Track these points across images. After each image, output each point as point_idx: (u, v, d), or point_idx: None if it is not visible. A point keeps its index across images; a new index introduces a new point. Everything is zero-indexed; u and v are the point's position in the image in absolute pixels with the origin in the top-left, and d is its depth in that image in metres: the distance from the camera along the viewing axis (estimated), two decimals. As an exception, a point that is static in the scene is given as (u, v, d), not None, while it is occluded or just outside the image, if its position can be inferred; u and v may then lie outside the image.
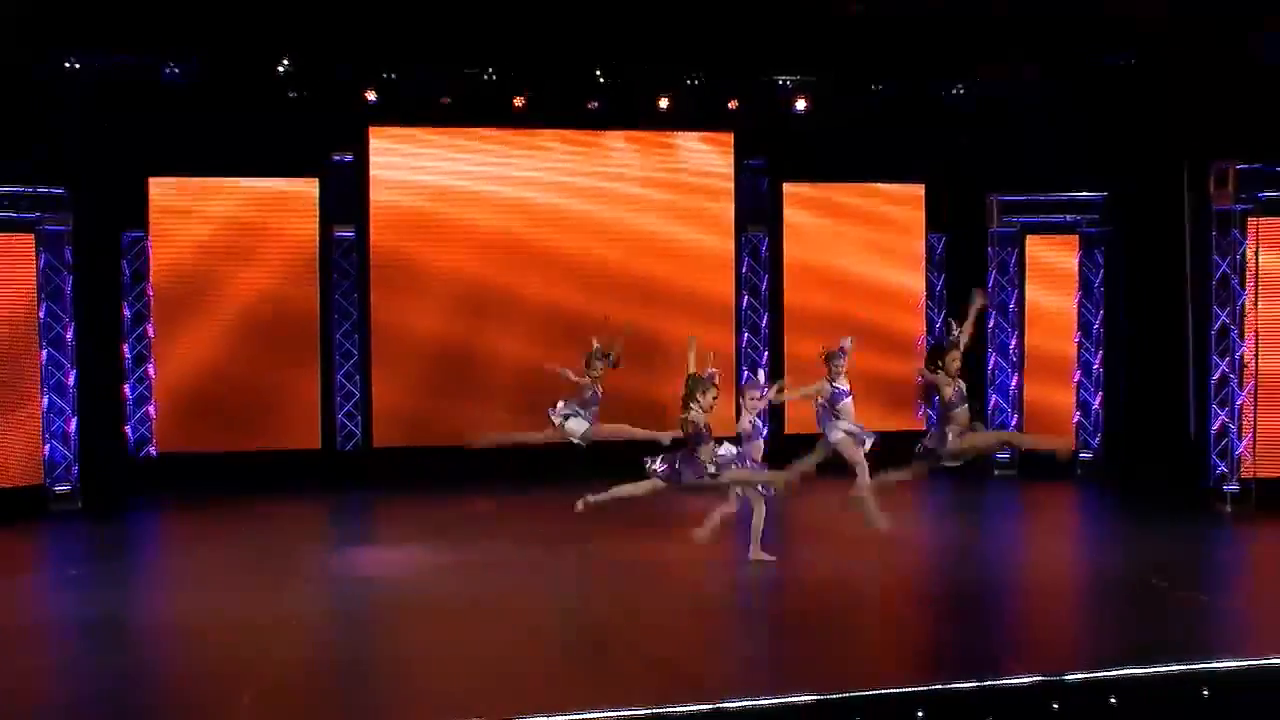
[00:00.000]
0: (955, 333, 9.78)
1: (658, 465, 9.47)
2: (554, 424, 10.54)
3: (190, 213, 14.01)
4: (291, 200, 14.26)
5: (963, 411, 9.68)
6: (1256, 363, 12.19)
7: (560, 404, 10.59)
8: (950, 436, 9.66)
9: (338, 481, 13.91)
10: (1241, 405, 12.21)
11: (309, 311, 14.29)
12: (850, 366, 10.51)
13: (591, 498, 9.54)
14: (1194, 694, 7.08)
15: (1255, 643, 7.81)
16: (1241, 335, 12.18)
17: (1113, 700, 7.02)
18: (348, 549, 11.14)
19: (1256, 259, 12.14)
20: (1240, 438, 12.21)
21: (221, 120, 13.46)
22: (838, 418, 10.40)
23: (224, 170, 13.95)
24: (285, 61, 13.10)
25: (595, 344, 10.72)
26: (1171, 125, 13.17)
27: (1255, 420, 12.21)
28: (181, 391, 13.94)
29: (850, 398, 10.57)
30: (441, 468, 13.97)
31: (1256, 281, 12.17)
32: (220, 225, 14.04)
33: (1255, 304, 12.15)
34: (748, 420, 10.09)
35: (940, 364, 9.67)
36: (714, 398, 9.41)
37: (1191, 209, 12.90)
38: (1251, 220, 12.16)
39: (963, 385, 9.74)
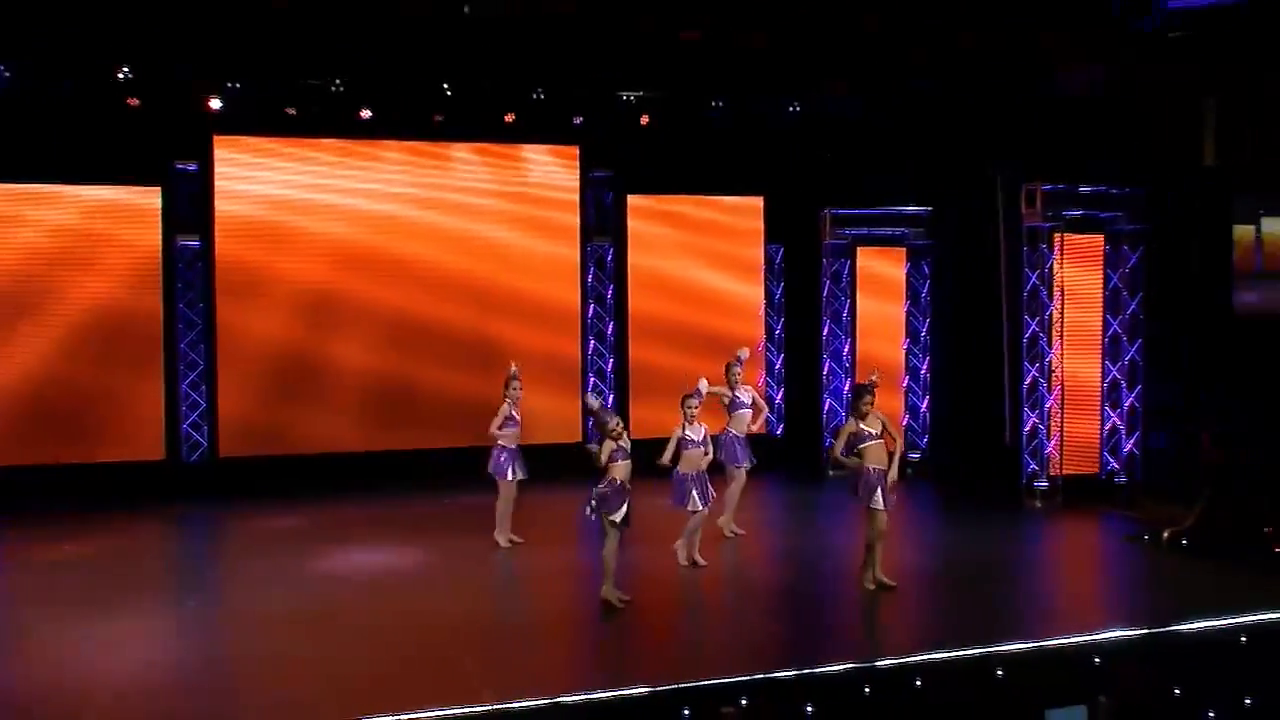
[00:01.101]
0: (874, 377, 9.91)
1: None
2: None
3: (20, 220, 13.70)
4: (133, 208, 14.08)
5: (876, 446, 9.47)
6: (1063, 368, 13.14)
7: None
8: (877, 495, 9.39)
9: (183, 493, 13.80)
10: (1050, 408, 13.14)
11: (152, 321, 14.15)
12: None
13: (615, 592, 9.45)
14: (990, 674, 7.75)
15: (1046, 626, 8.52)
16: (1050, 343, 13.11)
17: (918, 683, 7.63)
18: (193, 561, 11.13)
19: (1063, 272, 13.08)
20: (1049, 438, 13.13)
21: (56, 127, 13.25)
22: (729, 425, 11.35)
23: (58, 177, 13.70)
24: (125, 69, 12.96)
25: (513, 367, 11.31)
26: (987, 148, 14.07)
27: (1063, 422, 13.16)
28: (13, 402, 13.63)
29: (747, 410, 11.46)
30: (290, 477, 14.05)
31: (1063, 293, 13.11)
32: (55, 233, 13.77)
33: (1062, 313, 13.09)
34: (691, 431, 10.27)
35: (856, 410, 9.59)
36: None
37: (1005, 225, 13.79)
38: (1058, 236, 13.09)
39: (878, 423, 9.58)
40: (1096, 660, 7.90)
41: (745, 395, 11.55)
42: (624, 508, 8.99)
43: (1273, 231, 12.75)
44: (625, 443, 9.15)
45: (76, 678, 7.57)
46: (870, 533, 9.44)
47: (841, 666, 7.65)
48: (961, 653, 7.86)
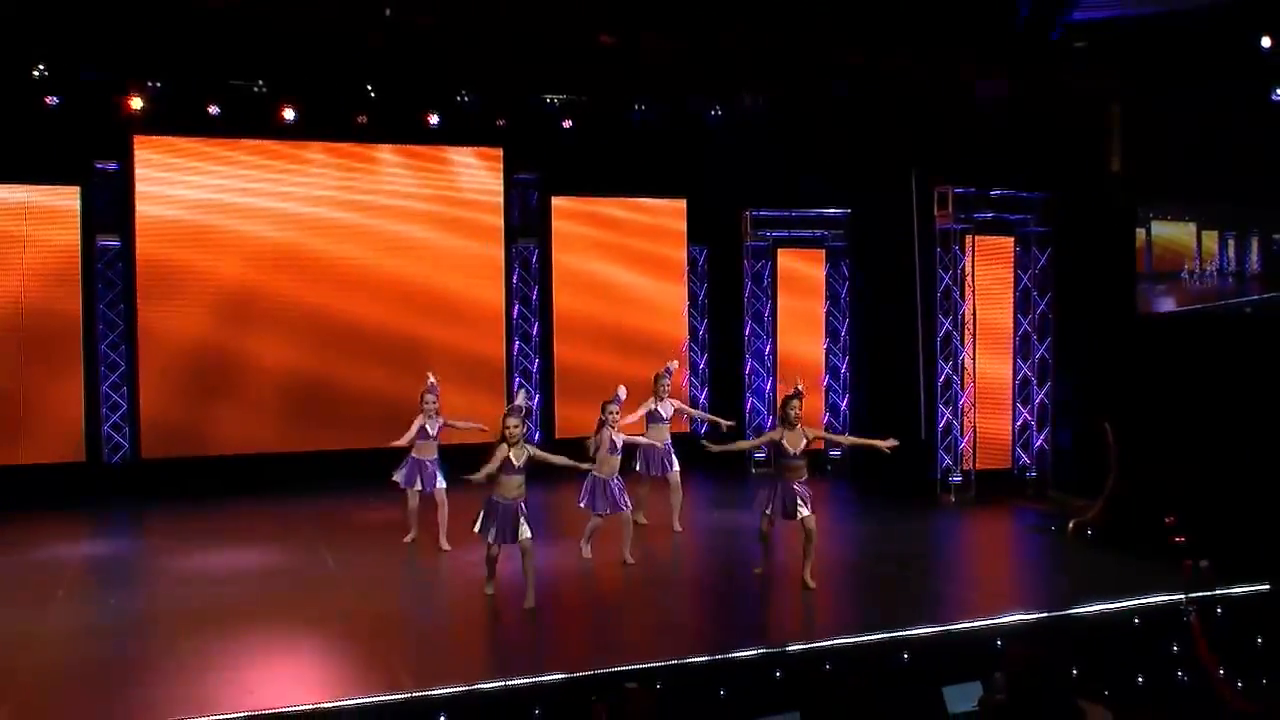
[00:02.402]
0: (800, 385, 10.07)
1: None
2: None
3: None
4: (52, 208, 13.96)
5: (797, 468, 9.70)
6: (975, 366, 13.53)
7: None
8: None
9: (104, 495, 13.70)
10: (963, 404, 13.52)
11: (72, 322, 14.02)
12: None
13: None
14: (896, 657, 8.04)
15: (953, 612, 8.83)
16: (963, 341, 13.49)
17: (827, 666, 7.89)
18: (112, 561, 11.09)
19: (973, 272, 13.47)
20: (963, 434, 13.51)
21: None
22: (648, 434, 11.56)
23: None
24: (41, 67, 12.86)
25: (430, 378, 11.43)
26: (903, 152, 14.43)
27: (975, 418, 13.55)
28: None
29: (664, 424, 11.70)
30: (213, 478, 14.01)
31: (974, 293, 13.51)
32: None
33: (974, 313, 13.48)
34: (611, 437, 10.43)
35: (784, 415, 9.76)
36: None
37: (919, 227, 14.17)
38: (969, 238, 13.49)
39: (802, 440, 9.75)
40: (999, 642, 8.23)
41: (666, 409, 11.74)
42: (491, 526, 8.98)
43: (1161, 234, 13.26)
44: (519, 454, 8.95)
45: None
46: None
47: (753, 652, 7.88)
48: (868, 637, 8.14)
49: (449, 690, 7.17)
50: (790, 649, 7.96)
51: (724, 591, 9.97)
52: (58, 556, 11.01)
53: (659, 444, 11.60)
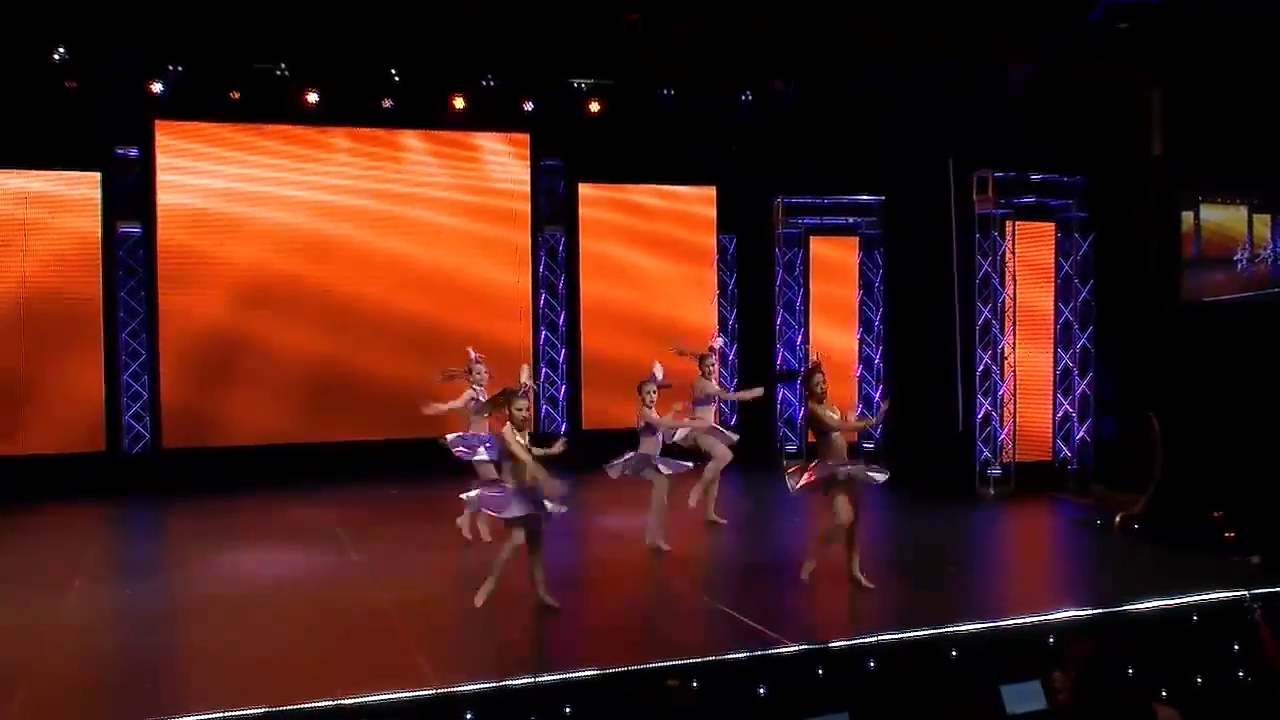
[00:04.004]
0: (816, 357, 9.56)
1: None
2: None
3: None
4: (72, 194, 13.75)
5: (838, 439, 8.98)
6: (1015, 355, 13.14)
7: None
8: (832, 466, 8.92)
9: (125, 485, 13.48)
10: (1002, 395, 13.14)
11: (92, 310, 13.83)
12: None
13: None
14: (943, 654, 7.68)
15: (999, 608, 8.47)
16: (1002, 330, 13.10)
17: (871, 664, 7.55)
18: (131, 552, 10.86)
19: (1014, 259, 13.08)
20: (1002, 426, 13.12)
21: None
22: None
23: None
24: (62, 50, 12.63)
25: (472, 353, 10.87)
26: (939, 136, 14.06)
27: (1015, 409, 13.16)
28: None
29: (712, 406, 11.11)
30: (234, 468, 13.77)
31: (1014, 279, 13.11)
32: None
33: (1014, 300, 13.09)
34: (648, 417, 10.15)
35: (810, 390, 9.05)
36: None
37: (957, 213, 13.79)
38: (1009, 223, 13.10)
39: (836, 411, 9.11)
40: (1050, 640, 7.87)
41: (713, 389, 11.16)
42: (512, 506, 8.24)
43: (1210, 219, 12.86)
44: (520, 441, 8.24)
45: (6, 664, 7.31)
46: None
47: (795, 648, 7.54)
48: (915, 634, 7.78)
49: (477, 686, 6.85)
50: (833, 645, 7.61)
51: (763, 585, 9.63)
52: (76, 547, 10.77)
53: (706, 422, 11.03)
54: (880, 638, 7.69)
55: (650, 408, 10.09)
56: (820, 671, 7.44)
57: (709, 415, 11.16)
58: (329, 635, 8.10)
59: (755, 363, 16.12)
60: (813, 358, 9.65)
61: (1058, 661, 6.93)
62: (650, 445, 10.21)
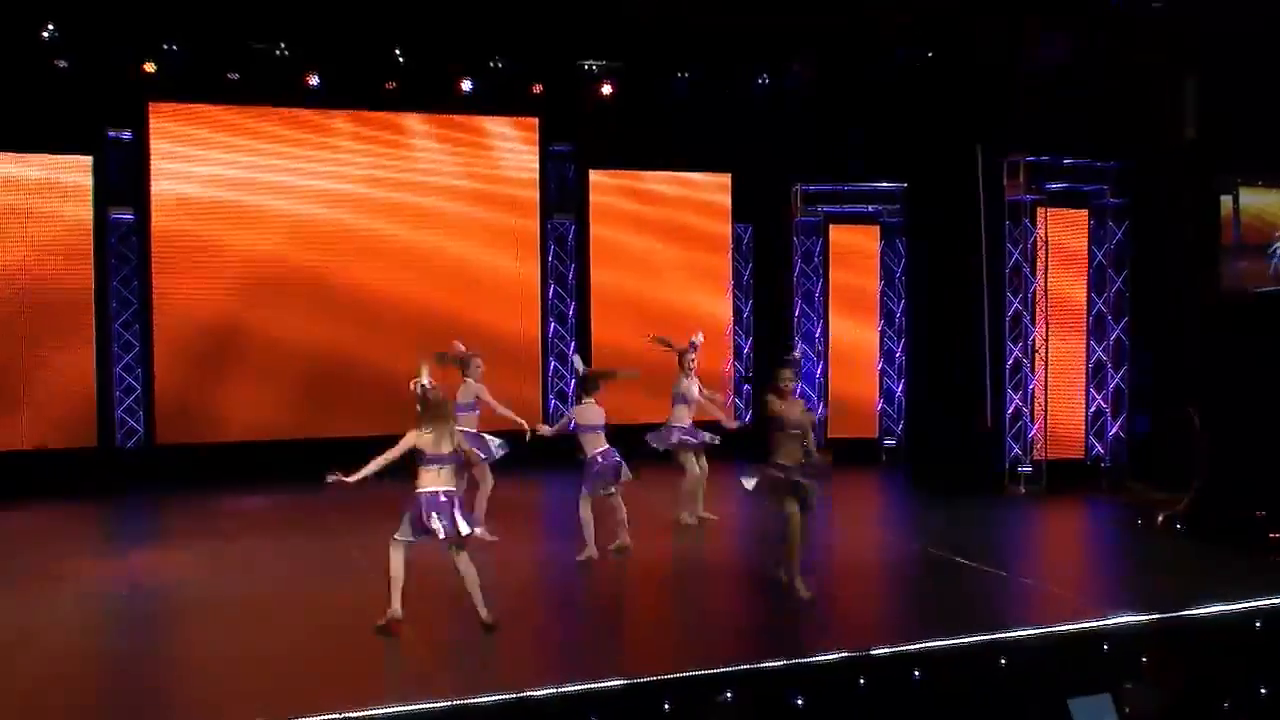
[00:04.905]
0: (795, 352, 9.12)
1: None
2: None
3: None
4: (61, 179, 13.20)
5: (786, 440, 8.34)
6: (1047, 348, 12.59)
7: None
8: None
9: (118, 482, 12.93)
10: (1033, 389, 12.59)
11: (83, 299, 13.29)
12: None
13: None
14: (992, 662, 7.13)
15: (1047, 612, 7.93)
16: (1033, 321, 12.55)
17: (916, 673, 7.00)
18: (125, 553, 10.30)
19: (1046, 247, 12.53)
20: (1033, 421, 12.57)
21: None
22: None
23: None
24: (51, 27, 12.08)
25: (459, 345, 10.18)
26: (964, 120, 13.52)
27: (1046, 404, 12.60)
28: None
29: (690, 405, 10.46)
30: (231, 465, 13.21)
31: (1047, 268, 12.56)
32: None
33: (1046, 290, 12.54)
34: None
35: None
36: None
37: (986, 199, 13.24)
38: (1041, 210, 12.54)
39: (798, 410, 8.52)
40: (1105, 647, 7.32)
41: (692, 389, 10.39)
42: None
43: (1251, 204, 12.29)
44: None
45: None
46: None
47: (834, 656, 6.99)
48: (961, 640, 7.23)
49: (495, 698, 6.30)
50: (875, 653, 7.06)
51: (789, 590, 9.08)
52: (67, 546, 10.30)
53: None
54: (926, 645, 7.15)
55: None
56: (862, 681, 6.90)
57: (685, 416, 10.46)
58: (333, 642, 7.55)
59: (771, 357, 15.52)
60: (794, 353, 9.11)
61: (1124, 672, 6.39)
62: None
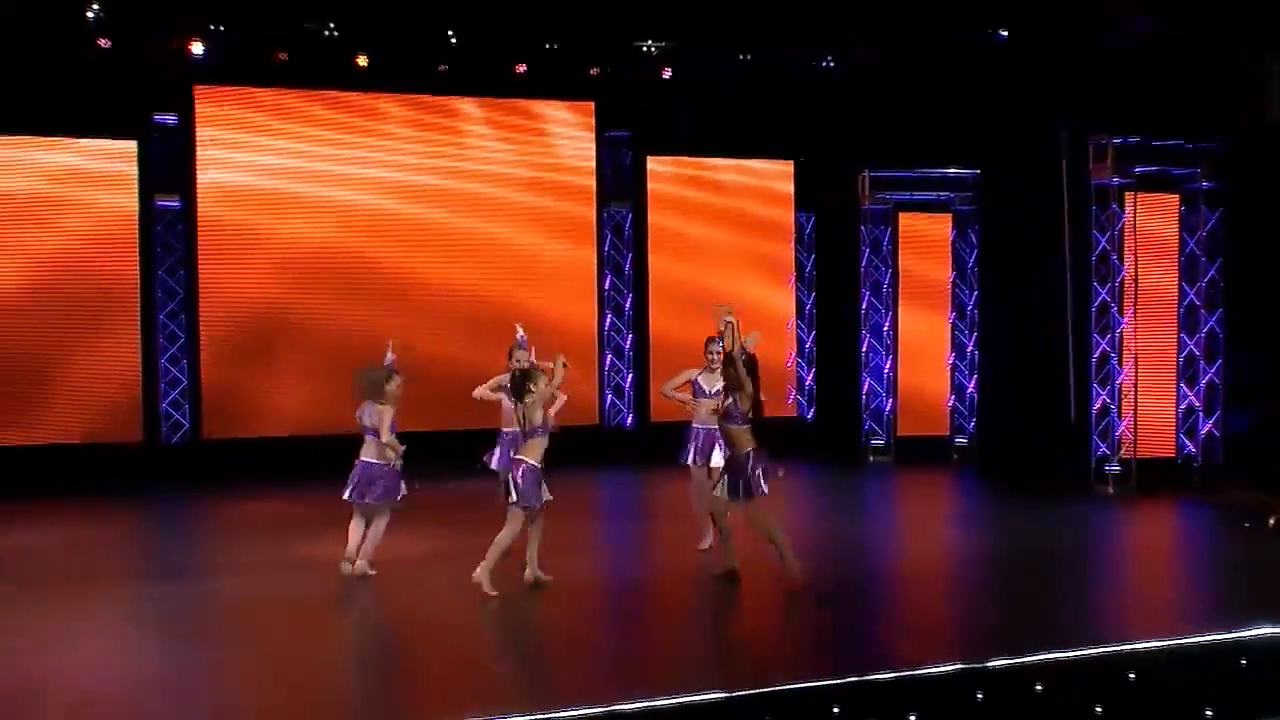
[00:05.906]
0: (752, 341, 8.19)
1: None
2: None
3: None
4: (107, 165, 12.79)
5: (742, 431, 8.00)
6: (1136, 340, 11.91)
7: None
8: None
9: (163, 477, 12.50)
10: (1121, 384, 11.91)
11: (128, 290, 12.90)
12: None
13: None
14: (1119, 677, 6.50)
15: (1169, 621, 7.30)
16: (1121, 312, 11.88)
17: (1039, 687, 6.38)
18: (173, 551, 9.86)
19: (1135, 234, 11.86)
20: (1120, 417, 11.89)
21: (18, 73, 11.97)
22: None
23: (21, 128, 12.39)
24: (95, 7, 11.64)
25: (520, 332, 9.40)
26: (1041, 103, 12.86)
27: (1135, 400, 11.91)
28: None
29: (711, 400, 9.00)
30: (279, 460, 12.73)
31: (1136, 257, 11.88)
32: (18, 192, 12.48)
33: (1135, 280, 11.86)
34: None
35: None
36: None
37: (1069, 183, 12.58)
38: (1129, 195, 11.87)
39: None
40: (1243, 661, 6.67)
41: (713, 383, 8.99)
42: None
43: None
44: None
45: (33, 676, 6.28)
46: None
47: (948, 668, 6.38)
48: (1086, 652, 6.61)
49: (574, 712, 5.75)
50: (993, 665, 6.45)
51: (874, 595, 8.50)
52: (111, 543, 9.95)
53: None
54: (1046, 656, 6.53)
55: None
56: (979, 696, 6.29)
57: (704, 411, 9.11)
58: (384, 650, 7.06)
59: (834, 351, 14.94)
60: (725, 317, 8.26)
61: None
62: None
